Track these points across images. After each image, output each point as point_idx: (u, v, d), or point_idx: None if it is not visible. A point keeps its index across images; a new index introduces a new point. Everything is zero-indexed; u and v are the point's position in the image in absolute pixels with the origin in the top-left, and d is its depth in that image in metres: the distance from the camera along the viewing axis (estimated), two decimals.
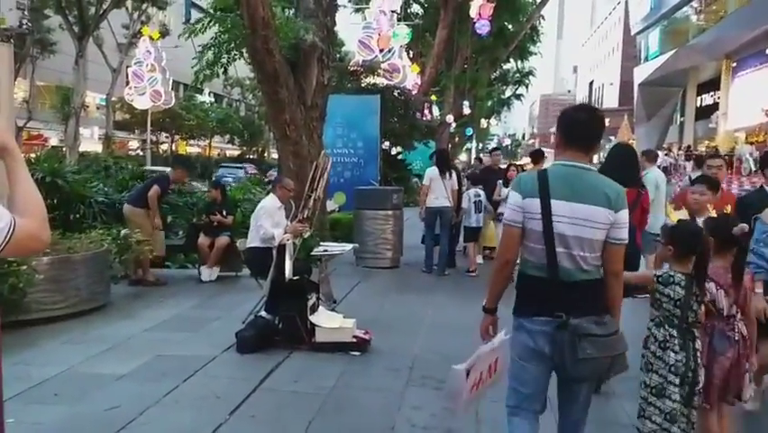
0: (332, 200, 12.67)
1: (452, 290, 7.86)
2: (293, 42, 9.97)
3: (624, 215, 2.68)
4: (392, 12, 17.88)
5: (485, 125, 47.99)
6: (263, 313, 5.30)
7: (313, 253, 5.95)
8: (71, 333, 5.49)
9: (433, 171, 9.02)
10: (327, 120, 11.06)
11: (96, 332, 5.54)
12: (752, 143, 26.53)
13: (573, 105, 3.09)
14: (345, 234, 10.08)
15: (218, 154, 52.95)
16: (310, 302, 5.16)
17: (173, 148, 45.41)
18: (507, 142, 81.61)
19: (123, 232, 7.65)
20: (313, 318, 5.12)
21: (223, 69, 11.19)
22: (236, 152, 52.37)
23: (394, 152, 22.09)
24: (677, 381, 2.95)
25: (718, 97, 33.26)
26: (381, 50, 17.32)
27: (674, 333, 3.00)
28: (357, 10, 24.27)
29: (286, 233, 5.53)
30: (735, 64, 31.34)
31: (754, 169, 20.13)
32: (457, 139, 35.37)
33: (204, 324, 5.93)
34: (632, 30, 48.91)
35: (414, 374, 4.66)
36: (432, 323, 6.22)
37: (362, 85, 16.69)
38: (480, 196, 9.28)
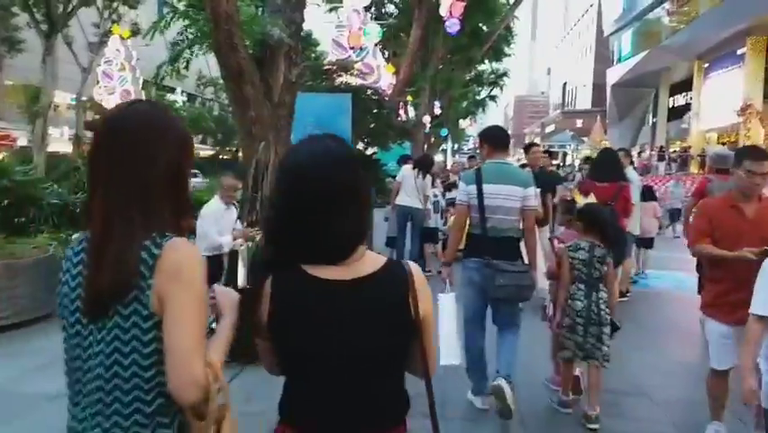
0: None
1: None
2: (259, 38, 9.64)
3: (531, 191, 4.14)
4: (365, 9, 17.56)
5: (462, 126, 47.93)
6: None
7: None
8: (9, 345, 5.10)
9: (406, 169, 8.74)
10: (297, 119, 10.71)
11: (37, 344, 5.15)
12: (723, 143, 26.72)
13: (491, 126, 4.65)
14: None
15: None
16: None
17: None
18: None
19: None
20: None
21: (185, 65, 10.78)
22: (210, 153, 51.61)
23: (369, 152, 21.81)
24: (581, 321, 4.00)
25: (690, 98, 33.49)
26: (353, 48, 17.00)
27: (582, 287, 4.04)
28: (331, 9, 23.90)
29: (235, 238, 5.18)
30: (707, 65, 31.57)
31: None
32: (433, 140, 35.14)
33: None
34: (605, 31, 49.19)
35: None
36: None
37: (336, 84, 16.36)
38: (437, 197, 9.17)
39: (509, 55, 31.58)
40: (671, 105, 38.30)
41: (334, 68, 16.88)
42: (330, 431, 1.47)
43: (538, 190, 4.50)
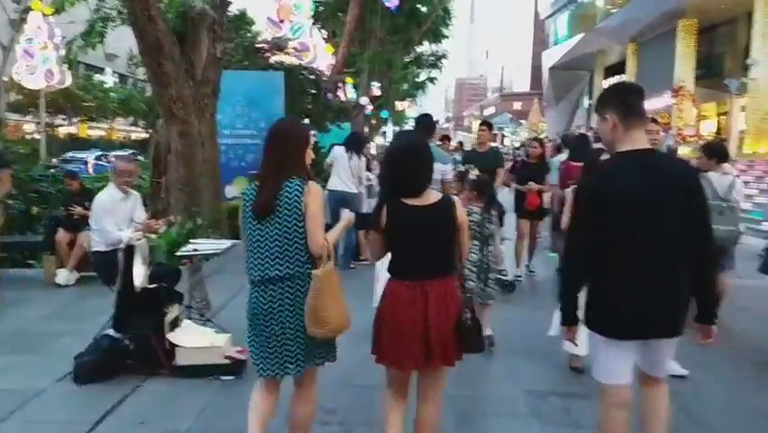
0: (232, 186, 11.64)
1: (358, 287, 7.03)
2: (180, 10, 8.93)
3: (449, 167, 5.63)
4: None
5: (401, 108, 47.49)
6: (110, 331, 4.26)
7: (179, 254, 4.86)
8: None
9: (337, 151, 8.15)
10: (225, 98, 10.05)
11: None
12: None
13: (423, 114, 6.12)
14: None
15: (123, 138, 49.96)
16: (170, 316, 4.17)
17: (71, 131, 42.44)
18: None
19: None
20: (172, 337, 4.13)
21: (99, 40, 9.93)
22: (143, 135, 49.45)
23: None
24: (475, 270, 4.82)
25: (624, 80, 33.91)
26: (282, 21, 16.23)
27: (476, 243, 4.82)
28: None
29: (136, 230, 4.52)
30: (639, 47, 31.98)
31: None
32: (374, 122, 34.62)
33: (47, 342, 4.84)
34: (541, 14, 49.47)
35: None
36: None
37: (270, 63, 15.65)
38: (371, 180, 8.64)
39: (447, 37, 31.32)
40: (605, 88, 38.83)
41: (267, 46, 16.10)
42: (416, 279, 2.76)
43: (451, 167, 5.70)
